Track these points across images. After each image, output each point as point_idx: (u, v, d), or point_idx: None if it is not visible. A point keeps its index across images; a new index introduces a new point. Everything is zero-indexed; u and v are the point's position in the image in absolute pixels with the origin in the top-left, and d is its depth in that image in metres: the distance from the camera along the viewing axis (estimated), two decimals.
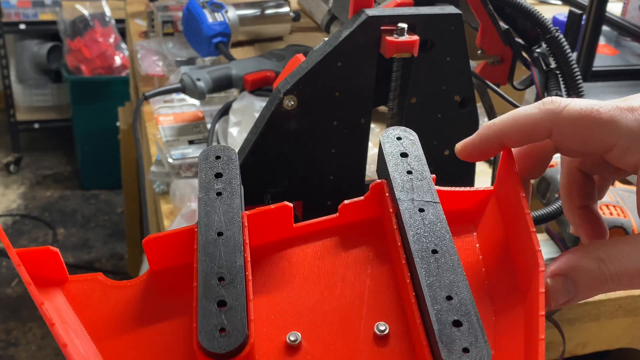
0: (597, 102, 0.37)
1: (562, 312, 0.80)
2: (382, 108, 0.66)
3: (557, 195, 0.77)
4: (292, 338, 0.37)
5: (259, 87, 1.17)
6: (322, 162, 0.64)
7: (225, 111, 1.10)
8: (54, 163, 3.02)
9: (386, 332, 0.37)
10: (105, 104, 2.59)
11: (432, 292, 0.35)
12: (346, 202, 0.43)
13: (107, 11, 2.65)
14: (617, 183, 0.88)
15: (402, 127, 0.45)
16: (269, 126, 0.61)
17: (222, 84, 1.16)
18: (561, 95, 0.72)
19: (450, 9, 0.62)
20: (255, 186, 0.63)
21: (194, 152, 1.06)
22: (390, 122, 0.65)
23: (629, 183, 0.97)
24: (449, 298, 0.35)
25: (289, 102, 0.60)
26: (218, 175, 0.42)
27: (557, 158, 0.48)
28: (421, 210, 0.39)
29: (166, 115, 1.16)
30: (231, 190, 0.41)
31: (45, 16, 2.78)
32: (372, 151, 0.90)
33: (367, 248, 0.42)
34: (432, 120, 0.65)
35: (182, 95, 1.20)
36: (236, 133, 1.01)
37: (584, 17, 0.91)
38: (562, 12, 1.34)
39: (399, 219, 0.40)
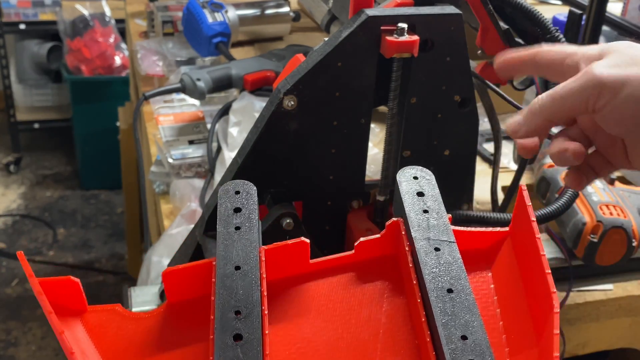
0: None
1: (562, 312, 0.80)
2: (382, 108, 0.66)
3: (557, 195, 0.77)
4: None
5: (259, 87, 1.17)
6: (322, 162, 0.64)
7: (225, 111, 1.10)
8: (54, 163, 3.02)
9: None
10: (105, 104, 2.59)
11: (447, 331, 0.35)
12: (362, 239, 0.43)
13: (107, 11, 2.65)
14: (617, 183, 0.88)
15: (419, 167, 0.45)
16: (269, 126, 0.61)
17: (222, 84, 1.16)
18: None
19: (450, 9, 0.62)
20: (256, 186, 0.63)
21: (194, 152, 1.06)
22: (390, 122, 0.65)
23: (629, 183, 0.97)
24: (464, 338, 0.35)
25: (289, 102, 0.60)
26: (237, 210, 0.42)
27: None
28: (437, 249, 0.40)
29: (166, 115, 1.16)
30: (250, 225, 0.41)
31: (45, 16, 2.78)
32: (372, 151, 0.90)
33: (382, 285, 0.42)
34: (432, 120, 0.65)
35: (182, 95, 1.19)
36: (236, 133, 1.01)
37: (584, 17, 0.91)
38: (562, 12, 1.34)
39: (415, 257, 0.40)
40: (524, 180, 0.91)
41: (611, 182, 0.87)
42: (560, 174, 0.85)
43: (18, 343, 2.11)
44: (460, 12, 0.62)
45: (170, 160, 1.04)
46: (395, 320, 0.40)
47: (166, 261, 0.92)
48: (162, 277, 0.40)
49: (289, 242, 0.41)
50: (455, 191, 0.69)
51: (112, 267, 2.42)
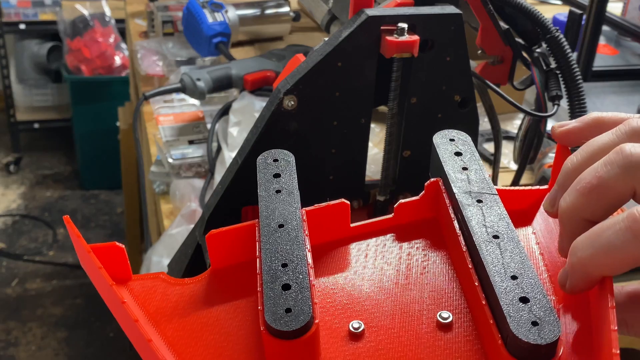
0: None
1: None
2: (382, 108, 0.66)
3: None
4: (355, 325, 0.37)
5: (259, 87, 1.17)
6: (322, 162, 0.64)
7: (225, 111, 1.10)
8: (54, 163, 3.02)
9: (449, 319, 0.37)
10: (105, 104, 2.59)
11: (496, 272, 0.35)
12: (402, 201, 0.44)
13: (107, 11, 2.65)
14: None
15: (455, 130, 0.45)
16: (269, 126, 0.61)
17: (222, 84, 1.16)
18: (561, 96, 0.72)
19: (450, 9, 0.62)
20: (256, 186, 0.63)
21: (194, 152, 1.06)
22: (391, 122, 0.65)
23: None
24: (514, 277, 0.34)
25: (289, 102, 0.60)
26: (277, 176, 0.44)
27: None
28: (479, 201, 0.40)
29: (166, 115, 1.16)
30: (289, 188, 0.42)
31: (45, 16, 2.78)
32: (372, 151, 0.90)
33: (424, 243, 0.43)
34: (432, 120, 0.65)
35: (182, 95, 1.20)
36: (236, 133, 1.02)
37: (584, 17, 0.91)
38: (562, 12, 1.34)
39: (457, 210, 0.40)
40: (524, 180, 0.91)
41: None
42: None
43: (18, 343, 2.11)
44: (460, 12, 0.62)
45: (170, 160, 1.04)
46: (439, 274, 0.40)
47: (166, 261, 0.92)
48: (206, 240, 0.41)
49: (330, 203, 0.42)
50: None
51: None
